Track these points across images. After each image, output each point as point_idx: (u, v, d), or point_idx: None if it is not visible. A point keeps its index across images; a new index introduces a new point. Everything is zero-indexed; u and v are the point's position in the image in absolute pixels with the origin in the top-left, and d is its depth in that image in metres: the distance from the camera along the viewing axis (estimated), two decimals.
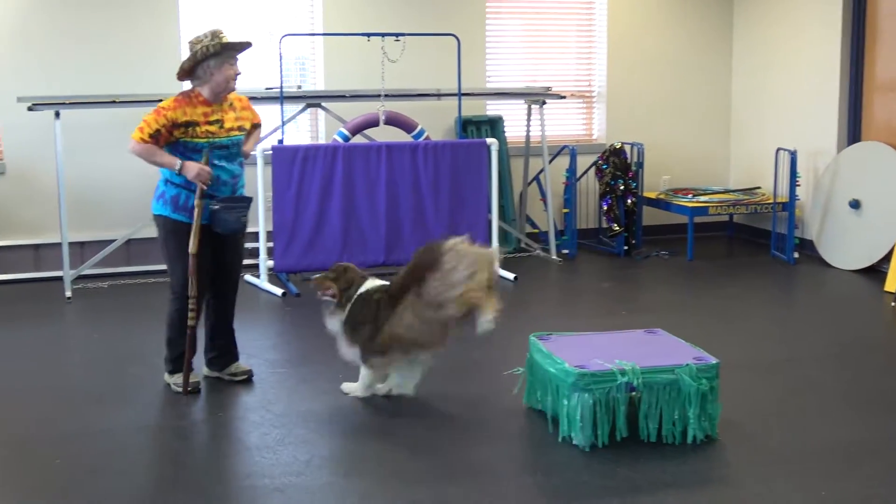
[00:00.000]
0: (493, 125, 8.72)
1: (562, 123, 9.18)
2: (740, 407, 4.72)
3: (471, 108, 8.49)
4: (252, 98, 7.53)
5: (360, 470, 4.14)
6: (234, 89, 5.03)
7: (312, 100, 7.90)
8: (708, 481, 4.01)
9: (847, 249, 7.96)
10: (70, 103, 7.17)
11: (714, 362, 4.38)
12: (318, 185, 7.14)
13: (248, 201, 5.04)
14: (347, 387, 4.99)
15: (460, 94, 7.84)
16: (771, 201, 8.57)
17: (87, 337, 6.33)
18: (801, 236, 8.48)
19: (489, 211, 7.68)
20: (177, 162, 4.84)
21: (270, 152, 7.08)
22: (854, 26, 8.11)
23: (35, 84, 7.50)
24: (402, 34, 7.56)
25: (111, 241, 7.52)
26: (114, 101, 7.30)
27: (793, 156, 8.17)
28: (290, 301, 7.00)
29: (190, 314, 4.95)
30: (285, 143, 7.43)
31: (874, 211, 7.80)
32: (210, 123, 4.92)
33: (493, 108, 8.89)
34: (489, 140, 7.66)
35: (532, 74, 9.07)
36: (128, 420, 4.70)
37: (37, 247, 7.73)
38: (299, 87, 8.30)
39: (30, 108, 7.06)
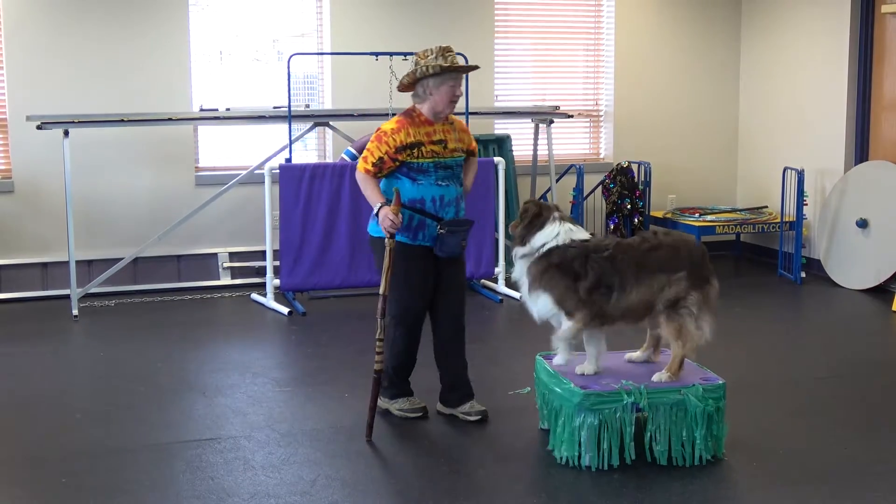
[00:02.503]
0: (501, 144, 8.72)
1: (569, 142, 9.19)
2: (747, 427, 4.71)
3: (478, 127, 8.49)
4: (261, 117, 7.71)
5: (365, 489, 4.13)
6: (453, 111, 4.86)
7: (320, 119, 7.92)
8: (714, 502, 3.99)
9: (854, 269, 7.94)
10: (79, 122, 7.19)
11: (720, 383, 4.37)
12: (325, 203, 7.15)
13: (470, 224, 4.81)
14: (582, 368, 4.55)
15: (468, 113, 7.85)
16: (778, 220, 8.55)
17: (93, 355, 6.33)
18: (809, 255, 8.46)
19: (496, 230, 7.68)
20: (378, 203, 4.68)
21: (278, 171, 7.10)
22: (861, 45, 8.12)
23: (44, 103, 7.53)
24: (411, 53, 7.56)
25: (118, 260, 7.53)
26: (122, 120, 7.32)
27: (800, 175, 8.17)
28: (296, 320, 7.00)
29: (376, 357, 4.68)
30: (293, 161, 7.45)
31: (882, 230, 7.78)
32: (434, 143, 4.75)
33: (500, 126, 8.90)
34: (496, 159, 7.67)
35: (540, 93, 9.09)
36: (134, 439, 4.70)
37: (44, 265, 7.75)
38: (307, 106, 8.33)
39: (39, 127, 7.08)
